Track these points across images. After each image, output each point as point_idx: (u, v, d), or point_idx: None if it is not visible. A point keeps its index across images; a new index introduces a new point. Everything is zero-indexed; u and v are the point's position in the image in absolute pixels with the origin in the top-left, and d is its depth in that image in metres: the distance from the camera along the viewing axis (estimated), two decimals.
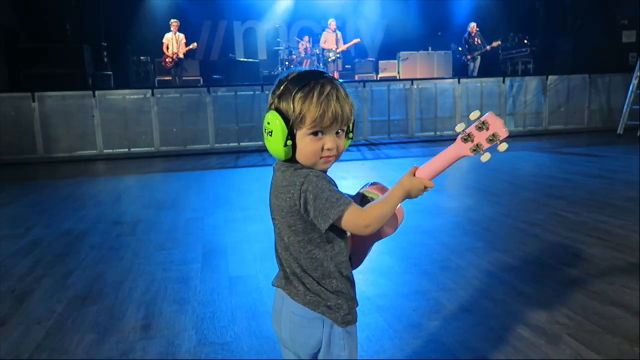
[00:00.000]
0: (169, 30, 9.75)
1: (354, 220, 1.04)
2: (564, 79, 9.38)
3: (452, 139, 1.13)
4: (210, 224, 3.82)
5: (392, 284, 2.55)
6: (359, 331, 1.20)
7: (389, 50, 12.34)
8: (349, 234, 1.14)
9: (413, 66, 11.47)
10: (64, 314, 2.32)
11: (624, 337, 1.92)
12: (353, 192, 1.21)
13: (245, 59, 12.27)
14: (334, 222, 1.03)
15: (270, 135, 1.05)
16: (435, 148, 7.78)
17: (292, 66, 10.51)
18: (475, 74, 10.63)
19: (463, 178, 5.28)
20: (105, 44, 10.31)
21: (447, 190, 4.68)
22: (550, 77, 9.38)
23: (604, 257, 2.78)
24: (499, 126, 1.06)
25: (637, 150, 6.60)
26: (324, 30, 11.07)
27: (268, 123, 1.05)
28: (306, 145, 1.05)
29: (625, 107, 8.30)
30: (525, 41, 11.54)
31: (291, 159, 1.08)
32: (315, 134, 1.04)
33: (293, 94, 1.03)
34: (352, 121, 1.11)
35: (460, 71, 11.32)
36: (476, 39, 10.74)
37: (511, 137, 1.11)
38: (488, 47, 10.65)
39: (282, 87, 1.06)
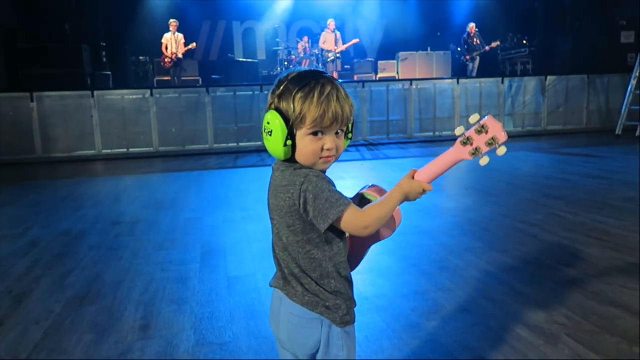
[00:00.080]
0: (168, 30, 9.73)
1: (353, 220, 1.04)
2: (562, 80, 9.39)
3: (450, 139, 1.13)
4: (208, 224, 3.82)
5: (391, 284, 2.55)
6: (358, 331, 1.20)
7: (388, 50, 12.35)
8: (347, 234, 1.14)
9: (412, 66, 11.48)
10: (62, 314, 2.31)
11: (623, 337, 1.92)
12: (352, 193, 1.20)
13: (244, 59, 12.27)
14: (333, 223, 1.03)
15: (270, 135, 1.05)
16: (434, 148, 7.79)
17: (291, 66, 10.50)
18: (474, 74, 10.63)
19: (462, 178, 5.28)
20: (104, 44, 10.32)
21: (445, 191, 4.68)
22: (549, 77, 9.38)
23: (603, 257, 2.79)
24: (498, 130, 1.06)
25: (636, 151, 6.62)
26: (323, 31, 11.04)
27: (268, 122, 1.05)
28: (306, 145, 1.05)
29: (623, 107, 8.32)
30: (524, 41, 11.55)
31: (290, 159, 1.08)
32: (315, 133, 1.04)
33: (293, 93, 1.03)
34: (351, 121, 1.11)
35: (459, 71, 11.33)
36: (475, 39, 10.73)
37: (510, 138, 1.11)
38: (487, 48, 10.65)
39: (282, 87, 1.06)
